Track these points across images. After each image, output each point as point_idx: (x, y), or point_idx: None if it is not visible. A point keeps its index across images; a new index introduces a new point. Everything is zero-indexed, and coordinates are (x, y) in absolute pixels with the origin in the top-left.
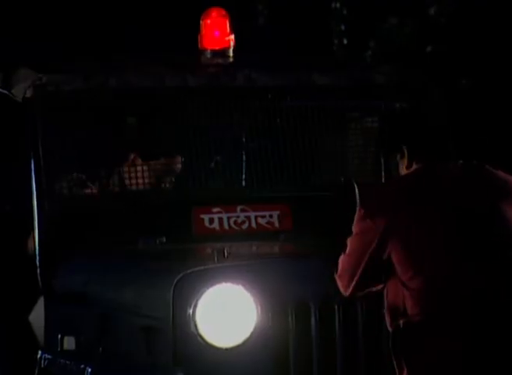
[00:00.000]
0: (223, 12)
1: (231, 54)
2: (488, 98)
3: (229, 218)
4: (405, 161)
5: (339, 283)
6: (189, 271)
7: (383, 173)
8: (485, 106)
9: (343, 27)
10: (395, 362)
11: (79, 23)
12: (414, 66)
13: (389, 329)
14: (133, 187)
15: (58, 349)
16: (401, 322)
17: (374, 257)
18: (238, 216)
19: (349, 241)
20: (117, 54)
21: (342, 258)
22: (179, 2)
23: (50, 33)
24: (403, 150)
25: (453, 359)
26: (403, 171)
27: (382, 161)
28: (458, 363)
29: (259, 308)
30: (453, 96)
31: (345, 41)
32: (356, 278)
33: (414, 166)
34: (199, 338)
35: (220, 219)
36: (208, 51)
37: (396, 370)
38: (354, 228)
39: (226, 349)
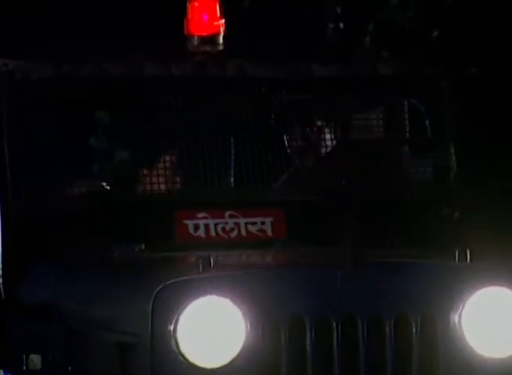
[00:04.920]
0: None
1: (221, 41)
2: (501, 89)
3: (216, 224)
4: None
5: None
6: (170, 281)
7: (398, 171)
8: (498, 97)
9: (338, 10)
10: None
11: (66, 6)
12: (418, 52)
13: None
14: (109, 188)
15: (24, 368)
16: None
17: None
18: (226, 223)
19: None
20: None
21: None
22: None
23: (35, 15)
24: None
25: None
26: None
27: (395, 157)
28: None
29: (248, 323)
30: (462, 87)
31: (341, 26)
32: None
33: None
34: (180, 357)
35: (206, 226)
36: (195, 37)
37: None
38: None
39: (211, 370)
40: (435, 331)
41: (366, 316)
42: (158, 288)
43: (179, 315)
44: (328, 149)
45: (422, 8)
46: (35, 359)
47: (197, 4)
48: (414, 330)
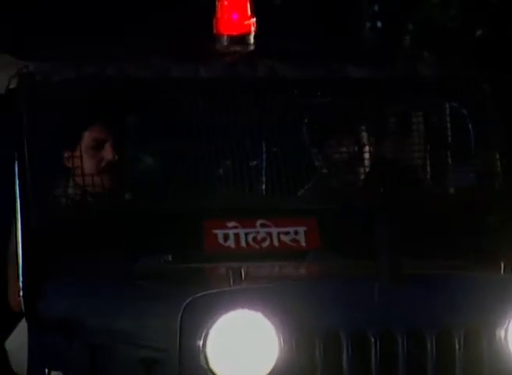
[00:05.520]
0: None
1: (251, 41)
2: None
3: (246, 234)
4: None
5: None
6: (199, 294)
7: (439, 178)
8: None
9: (376, 8)
10: None
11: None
12: (461, 52)
13: None
14: (133, 195)
15: None
16: None
17: None
18: (258, 232)
19: None
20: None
21: None
22: None
23: (55, 16)
24: None
25: None
26: None
27: (436, 163)
28: None
29: (281, 338)
30: (506, 89)
31: (379, 24)
32: None
33: None
34: (210, 374)
35: (236, 236)
36: (225, 37)
37: None
38: None
39: None
40: (480, 347)
41: (406, 331)
42: (186, 301)
43: (208, 329)
44: (365, 155)
45: (465, 6)
46: None
47: (226, 2)
48: (457, 345)
